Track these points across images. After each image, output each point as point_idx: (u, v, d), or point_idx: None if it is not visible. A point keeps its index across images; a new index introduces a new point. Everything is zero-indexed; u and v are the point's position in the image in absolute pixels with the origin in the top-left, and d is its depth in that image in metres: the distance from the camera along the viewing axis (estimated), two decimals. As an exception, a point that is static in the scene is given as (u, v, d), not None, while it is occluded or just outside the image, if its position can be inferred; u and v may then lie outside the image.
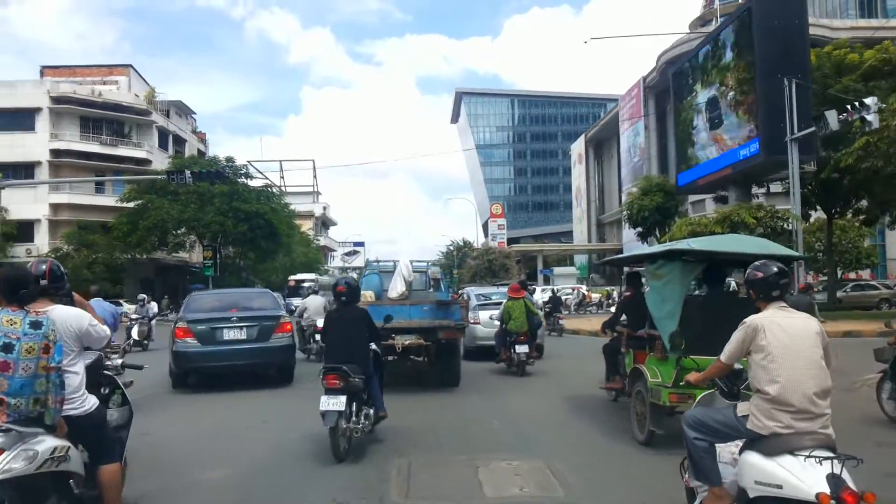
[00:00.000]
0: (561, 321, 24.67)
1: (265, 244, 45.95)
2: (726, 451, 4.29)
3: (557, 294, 29.82)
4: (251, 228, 43.97)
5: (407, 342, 10.65)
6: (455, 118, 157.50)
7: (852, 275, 41.40)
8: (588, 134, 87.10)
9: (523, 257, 69.68)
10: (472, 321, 14.60)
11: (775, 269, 4.18)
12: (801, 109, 23.75)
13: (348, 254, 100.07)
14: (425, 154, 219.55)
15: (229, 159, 47.05)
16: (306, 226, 73.17)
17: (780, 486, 3.62)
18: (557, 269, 70.86)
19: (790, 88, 23.70)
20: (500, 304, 14.46)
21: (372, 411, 7.34)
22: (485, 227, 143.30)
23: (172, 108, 58.56)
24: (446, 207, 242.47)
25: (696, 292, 9.44)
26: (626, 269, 12.03)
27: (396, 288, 11.46)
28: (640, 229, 34.96)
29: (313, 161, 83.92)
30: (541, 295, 49.03)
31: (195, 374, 12.27)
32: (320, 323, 10.45)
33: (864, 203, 27.98)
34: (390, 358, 10.57)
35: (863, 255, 37.20)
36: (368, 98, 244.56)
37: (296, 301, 28.21)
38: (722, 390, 4.45)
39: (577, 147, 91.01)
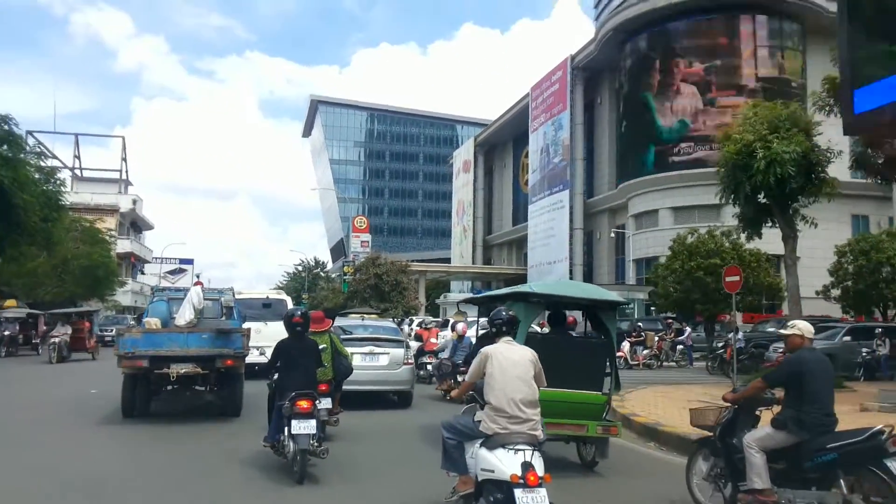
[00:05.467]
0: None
1: (-10, 226, 23.91)
2: (472, 449, 5.20)
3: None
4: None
5: (182, 371, 10.06)
6: (308, 131, 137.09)
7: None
8: (479, 137, 69.93)
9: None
10: None
11: (504, 313, 5.48)
12: None
13: (173, 272, 78.46)
14: (272, 175, 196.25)
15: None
16: (106, 223, 49.96)
17: (492, 471, 4.76)
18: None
19: None
20: (365, 340, 12.40)
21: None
22: (334, 251, 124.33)
23: None
24: (292, 226, 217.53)
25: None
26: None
27: (185, 315, 10.71)
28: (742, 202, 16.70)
29: (123, 139, 60.11)
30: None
31: None
32: None
33: None
34: (168, 388, 10.76)
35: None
36: (206, 117, 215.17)
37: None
38: (478, 402, 5.48)
39: (464, 153, 73.62)
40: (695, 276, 26.84)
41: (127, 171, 59.51)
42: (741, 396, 5.83)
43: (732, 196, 16.17)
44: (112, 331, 28.75)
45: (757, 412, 5.86)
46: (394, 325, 15.23)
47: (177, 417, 10.72)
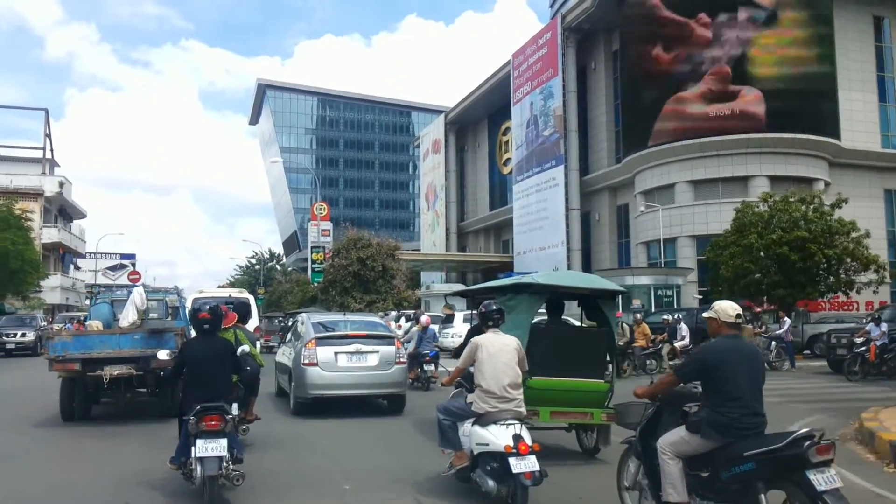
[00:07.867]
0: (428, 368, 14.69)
1: None
2: (464, 427, 5.78)
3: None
4: None
5: (116, 372, 9.57)
6: (255, 118, 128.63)
7: None
8: (450, 115, 63.45)
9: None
10: (305, 362, 10.56)
11: (494, 307, 6.05)
12: None
13: (113, 268, 71.16)
14: (215, 169, 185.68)
15: None
16: (27, 207, 41.92)
17: (487, 444, 5.37)
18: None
19: None
20: (350, 338, 10.96)
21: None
22: (287, 245, 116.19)
23: None
24: (239, 223, 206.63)
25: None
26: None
27: (128, 317, 10.44)
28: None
29: (46, 111, 51.44)
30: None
31: None
32: None
33: None
34: (109, 391, 10.16)
35: None
36: (144, 109, 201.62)
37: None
38: (465, 388, 6.06)
39: (433, 132, 66.99)
40: (776, 253, 21.18)
41: (52, 150, 51.11)
42: (652, 392, 4.85)
43: None
44: (15, 336, 24.73)
45: (686, 408, 4.75)
46: (380, 320, 13.53)
47: (109, 423, 10.20)
